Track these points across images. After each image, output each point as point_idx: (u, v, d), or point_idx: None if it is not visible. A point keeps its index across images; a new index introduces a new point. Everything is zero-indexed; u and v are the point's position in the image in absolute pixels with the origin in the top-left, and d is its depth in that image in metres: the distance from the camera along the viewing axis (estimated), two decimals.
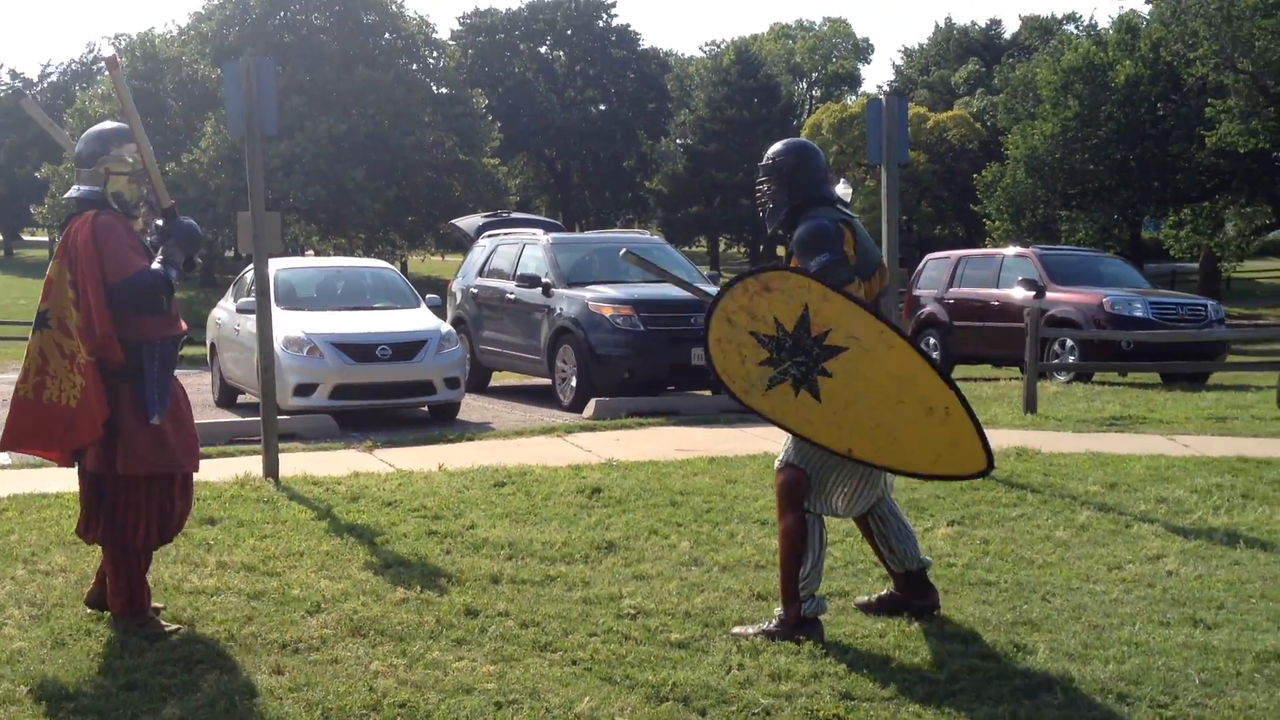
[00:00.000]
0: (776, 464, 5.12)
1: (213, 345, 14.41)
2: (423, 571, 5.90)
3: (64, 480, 8.26)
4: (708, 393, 13.39)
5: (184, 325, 5.19)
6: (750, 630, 4.96)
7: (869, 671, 4.61)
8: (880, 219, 9.35)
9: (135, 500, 4.95)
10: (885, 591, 5.40)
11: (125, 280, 4.81)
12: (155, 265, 4.95)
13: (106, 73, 5.43)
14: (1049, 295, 16.07)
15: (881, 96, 10.54)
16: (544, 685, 4.41)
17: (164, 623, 5.00)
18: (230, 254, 51.98)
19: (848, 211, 5.19)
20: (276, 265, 12.79)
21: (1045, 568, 6.13)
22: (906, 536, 5.25)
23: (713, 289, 14.13)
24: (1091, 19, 77.73)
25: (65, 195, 5.09)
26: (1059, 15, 67.47)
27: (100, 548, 5.12)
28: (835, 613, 5.29)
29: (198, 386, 16.88)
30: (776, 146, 5.28)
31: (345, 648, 4.80)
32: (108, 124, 5.19)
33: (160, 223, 5.08)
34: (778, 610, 5.01)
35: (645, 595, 5.54)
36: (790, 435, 5.00)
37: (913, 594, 5.24)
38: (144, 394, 4.89)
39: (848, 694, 4.39)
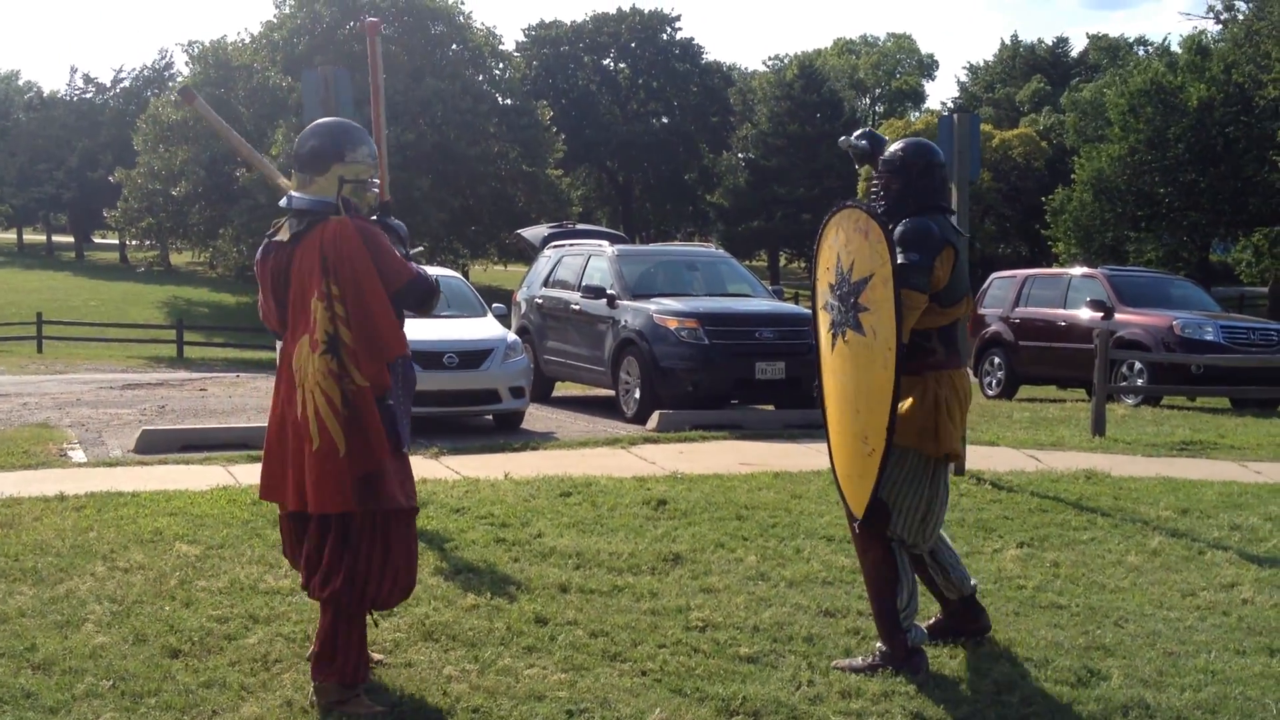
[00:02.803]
0: None
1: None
2: (492, 579, 5.95)
3: (139, 479, 8.44)
4: (771, 407, 13.38)
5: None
6: (857, 663, 4.77)
7: (940, 692, 4.59)
8: None
9: (385, 543, 4.29)
10: (933, 620, 5.27)
11: (408, 285, 4.31)
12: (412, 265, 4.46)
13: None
14: (1117, 317, 15.88)
15: (953, 114, 10.49)
16: (614, 695, 4.44)
17: (373, 705, 4.29)
18: None
19: (958, 229, 5.02)
20: None
21: (1117, 592, 6.06)
22: (958, 561, 5.19)
23: (774, 301, 14.23)
24: (1164, 40, 76.68)
25: (289, 203, 4.35)
26: (1128, 36, 66.68)
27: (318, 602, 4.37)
28: None
29: (267, 390, 17.13)
30: (905, 144, 5.04)
31: (418, 652, 4.86)
32: (334, 121, 4.56)
33: (379, 219, 4.63)
34: (877, 645, 4.82)
35: (713, 608, 5.55)
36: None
37: (966, 618, 5.15)
38: (395, 419, 4.32)
39: (919, 714, 4.38)
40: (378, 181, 4.59)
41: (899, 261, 4.64)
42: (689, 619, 5.37)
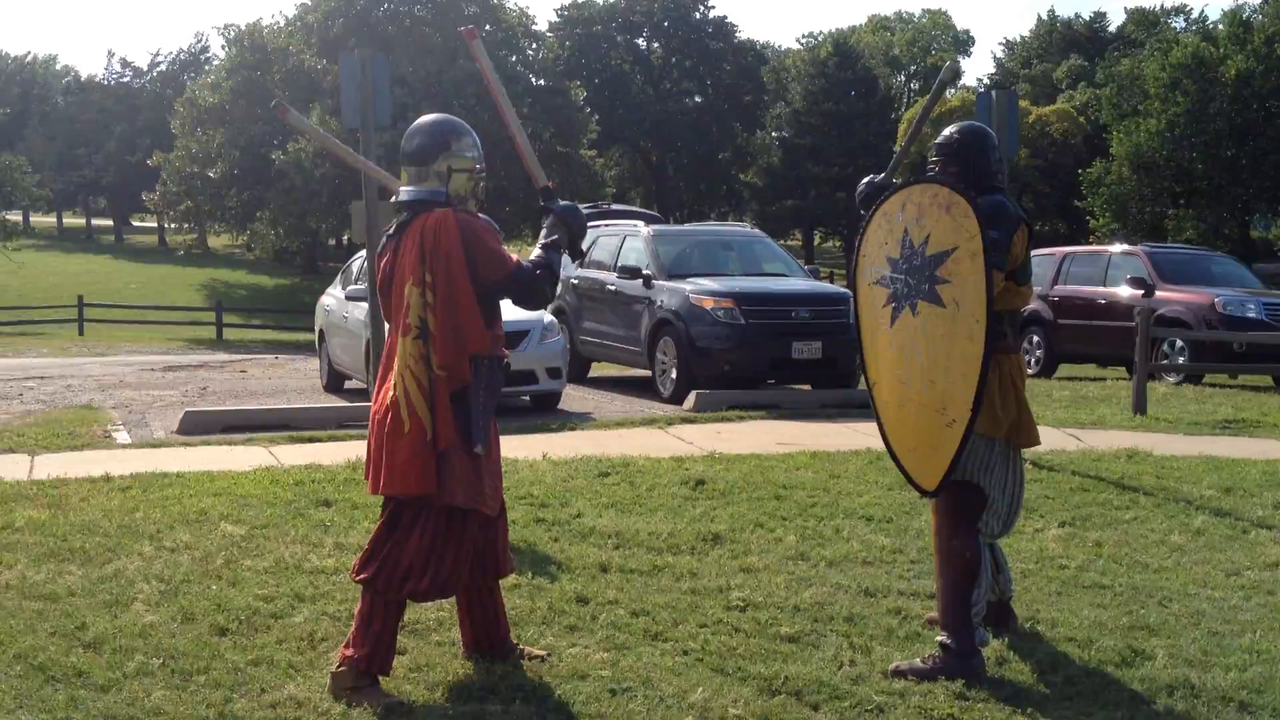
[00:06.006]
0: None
1: (321, 332, 14.71)
2: (533, 558, 5.98)
3: (183, 460, 8.54)
4: (808, 387, 13.35)
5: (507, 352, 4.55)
6: (919, 665, 4.56)
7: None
8: None
9: (432, 537, 4.28)
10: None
11: (505, 277, 4.30)
12: (535, 253, 4.45)
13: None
14: (1158, 294, 15.73)
15: (990, 91, 10.40)
16: (657, 674, 4.45)
17: (387, 695, 4.21)
18: (332, 242, 53.02)
19: (1024, 211, 4.99)
20: None
21: (1161, 572, 6.03)
22: (1005, 564, 5.15)
23: (810, 281, 14.17)
24: (1202, 13, 75.72)
25: (401, 198, 4.44)
26: (1167, 6, 65.68)
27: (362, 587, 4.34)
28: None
29: (306, 372, 17.28)
30: (961, 127, 5.03)
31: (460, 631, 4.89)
32: (439, 116, 4.58)
33: (544, 204, 4.58)
34: (941, 639, 4.62)
35: (753, 588, 5.56)
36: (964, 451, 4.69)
37: (998, 624, 5.04)
38: (470, 416, 4.30)
39: (962, 694, 4.37)
40: (483, 172, 4.55)
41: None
42: (729, 598, 5.38)
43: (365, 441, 4.51)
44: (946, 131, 5.05)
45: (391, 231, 4.47)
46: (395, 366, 4.30)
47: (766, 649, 4.76)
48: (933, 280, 4.56)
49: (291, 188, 37.45)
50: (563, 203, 4.58)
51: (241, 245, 53.47)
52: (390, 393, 4.29)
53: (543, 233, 4.51)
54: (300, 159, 36.86)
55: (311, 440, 9.73)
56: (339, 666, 4.25)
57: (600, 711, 4.12)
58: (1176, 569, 6.08)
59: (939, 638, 4.65)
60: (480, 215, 4.49)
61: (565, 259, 4.77)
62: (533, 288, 4.36)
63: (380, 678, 4.26)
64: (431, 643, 4.77)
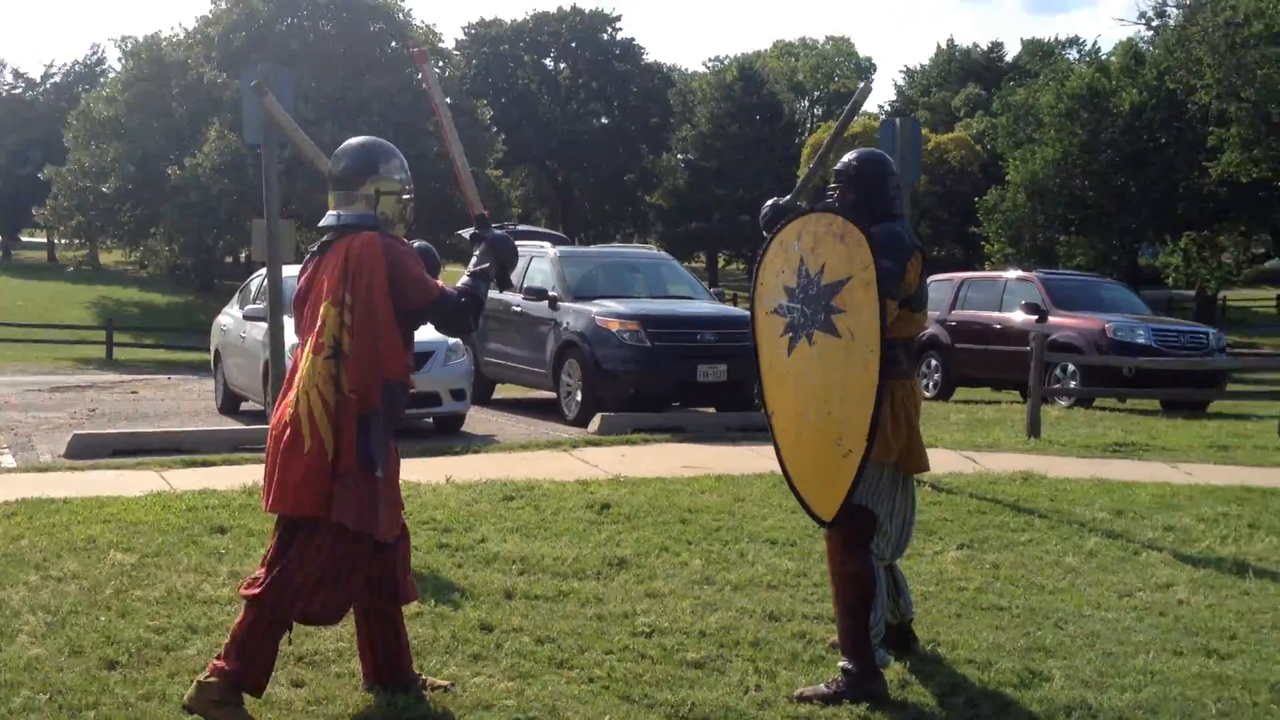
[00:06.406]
0: None
1: (217, 352, 14.41)
2: (435, 585, 5.89)
3: (71, 485, 8.28)
4: (712, 410, 13.41)
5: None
6: (821, 690, 4.56)
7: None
8: None
9: (325, 559, 4.18)
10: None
11: (432, 304, 4.27)
12: (462, 280, 4.41)
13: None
14: (1051, 320, 16.11)
15: (895, 118, 10.58)
16: (563, 703, 4.41)
17: (248, 716, 4.17)
18: (230, 260, 52.04)
19: (919, 238, 5.05)
20: (287, 273, 12.78)
21: (1056, 594, 6.14)
22: (905, 586, 5.18)
23: (715, 303, 14.25)
24: (1095, 44, 78.02)
25: (328, 222, 4.37)
26: (1061, 38, 67.60)
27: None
28: None
29: (200, 393, 16.91)
30: (859, 154, 5.05)
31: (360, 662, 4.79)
32: (366, 139, 4.56)
33: (476, 232, 4.57)
34: (842, 664, 4.64)
35: (659, 613, 5.54)
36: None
37: (899, 645, 5.08)
38: (372, 440, 4.21)
39: (866, 718, 4.40)
40: (411, 195, 4.52)
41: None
42: (635, 624, 5.36)
43: (263, 464, 4.42)
44: (846, 158, 5.08)
45: (315, 249, 4.44)
46: (298, 384, 4.23)
47: (673, 675, 4.74)
48: (828, 310, 4.59)
49: (187, 203, 36.69)
50: (497, 232, 4.56)
51: (134, 262, 52.18)
52: (291, 409, 4.22)
53: (473, 260, 4.49)
54: (198, 174, 36.15)
55: (205, 464, 9.49)
56: (208, 676, 4.13)
57: None
58: (1071, 590, 6.20)
59: (840, 662, 4.67)
60: (407, 240, 4.46)
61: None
62: (457, 315, 4.34)
63: (248, 697, 4.15)
64: (330, 674, 4.67)
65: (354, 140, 4.56)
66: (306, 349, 4.27)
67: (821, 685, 4.61)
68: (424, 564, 6.26)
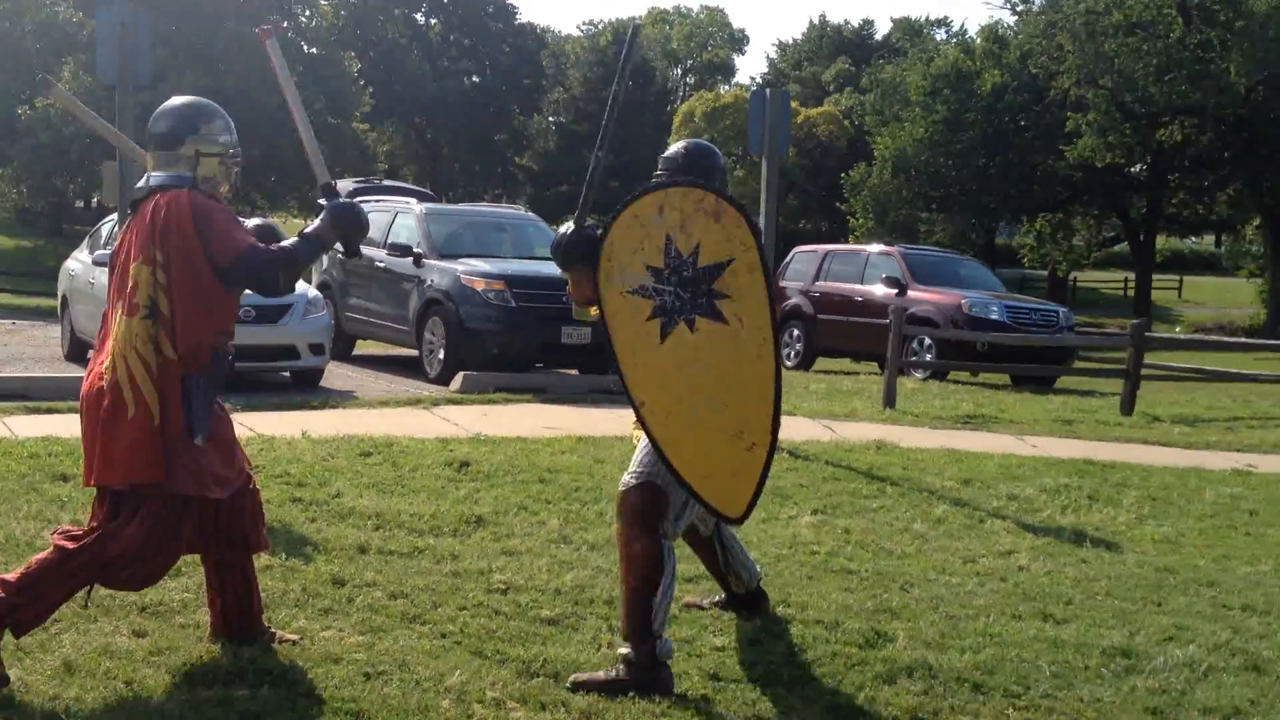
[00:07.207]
0: (624, 481, 4.55)
1: (64, 298, 13.89)
2: (287, 539, 5.79)
3: None
4: (575, 372, 13.41)
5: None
6: (599, 677, 4.30)
7: (736, 654, 4.70)
8: (754, 211, 9.47)
9: (147, 525, 4.04)
10: (719, 597, 5.27)
11: (235, 260, 4.07)
12: (289, 241, 4.25)
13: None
14: (910, 294, 16.50)
15: (765, 89, 10.67)
16: (413, 657, 4.37)
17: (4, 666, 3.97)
18: (80, 204, 50.16)
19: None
20: None
21: (904, 558, 6.31)
22: (748, 557, 5.19)
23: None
24: (962, 26, 79.76)
25: (143, 183, 4.23)
26: (930, 18, 68.98)
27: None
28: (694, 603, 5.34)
29: (45, 339, 16.29)
30: (687, 144, 4.92)
31: (208, 613, 4.68)
32: (189, 98, 4.39)
33: (321, 200, 4.40)
34: (623, 651, 4.35)
35: (515, 571, 5.54)
36: (643, 451, 4.55)
37: (748, 608, 5.12)
38: (190, 406, 4.08)
39: (715, 675, 4.46)
40: (238, 156, 4.35)
41: None
42: (490, 581, 5.35)
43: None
44: (674, 147, 4.95)
45: (131, 210, 4.27)
46: (112, 347, 4.06)
47: (526, 631, 4.74)
48: (710, 295, 4.33)
49: (38, 144, 35.17)
50: (340, 201, 4.39)
51: None
52: (108, 375, 4.04)
53: (314, 226, 4.34)
54: (49, 115, 34.65)
55: (50, 411, 9.17)
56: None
57: (354, 695, 4.01)
58: (918, 555, 6.38)
59: (621, 649, 4.39)
60: (220, 200, 4.28)
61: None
62: (265, 273, 4.15)
63: (11, 638, 4.00)
64: (175, 625, 4.55)
65: (175, 99, 4.38)
66: (119, 311, 4.09)
67: (600, 673, 4.35)
68: (276, 518, 6.14)
